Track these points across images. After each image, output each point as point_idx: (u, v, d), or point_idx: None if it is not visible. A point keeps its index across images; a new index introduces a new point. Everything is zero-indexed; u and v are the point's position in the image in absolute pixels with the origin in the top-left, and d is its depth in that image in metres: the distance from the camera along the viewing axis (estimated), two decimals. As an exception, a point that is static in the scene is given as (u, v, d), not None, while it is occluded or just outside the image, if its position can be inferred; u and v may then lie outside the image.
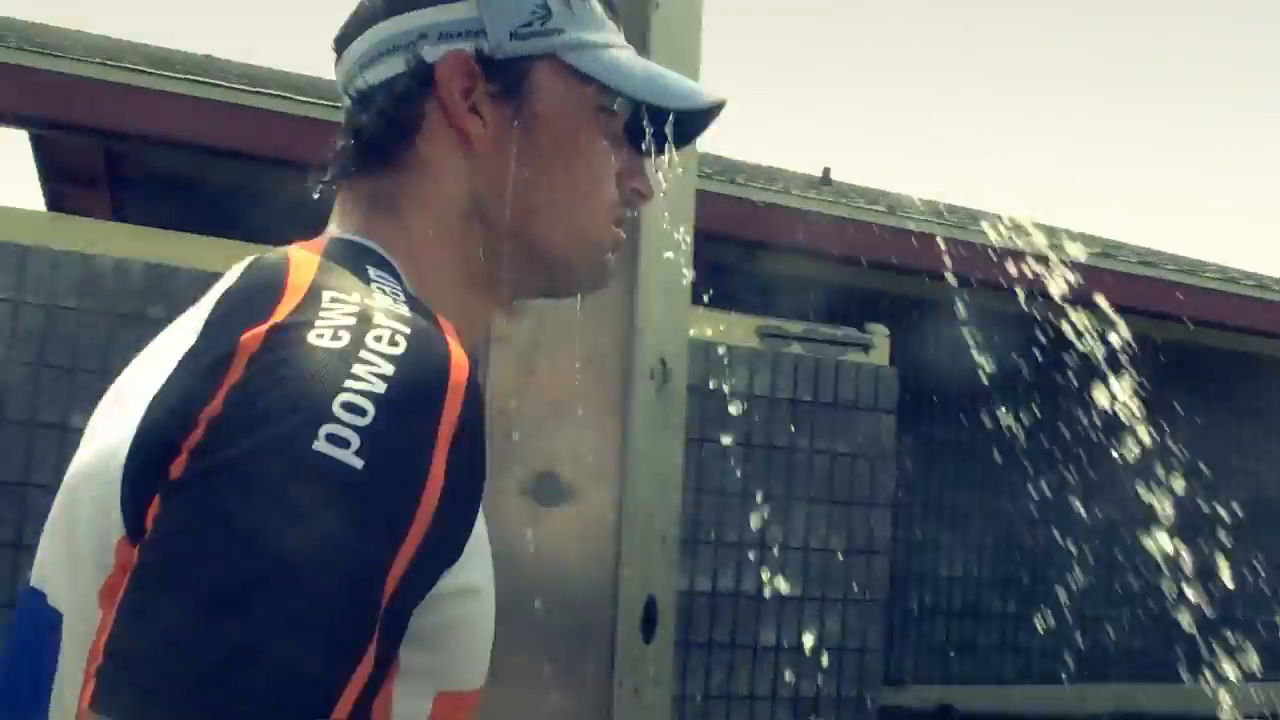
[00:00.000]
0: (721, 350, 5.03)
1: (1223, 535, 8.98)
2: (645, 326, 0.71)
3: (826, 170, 8.94)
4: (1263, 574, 9.11)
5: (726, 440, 4.94)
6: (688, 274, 0.79)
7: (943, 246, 6.37)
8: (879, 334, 5.79)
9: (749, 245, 6.95)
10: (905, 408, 5.98)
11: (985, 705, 7.96)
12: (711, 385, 4.92)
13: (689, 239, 0.76)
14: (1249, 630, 9.27)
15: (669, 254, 0.75)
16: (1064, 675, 8.31)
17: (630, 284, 0.70)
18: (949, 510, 8.02)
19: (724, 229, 6.36)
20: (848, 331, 5.68)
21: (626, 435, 0.66)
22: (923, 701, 7.82)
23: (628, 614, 0.70)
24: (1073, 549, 8.43)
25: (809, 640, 5.65)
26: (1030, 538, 8.23)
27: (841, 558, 5.69)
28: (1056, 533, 8.29)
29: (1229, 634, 8.10)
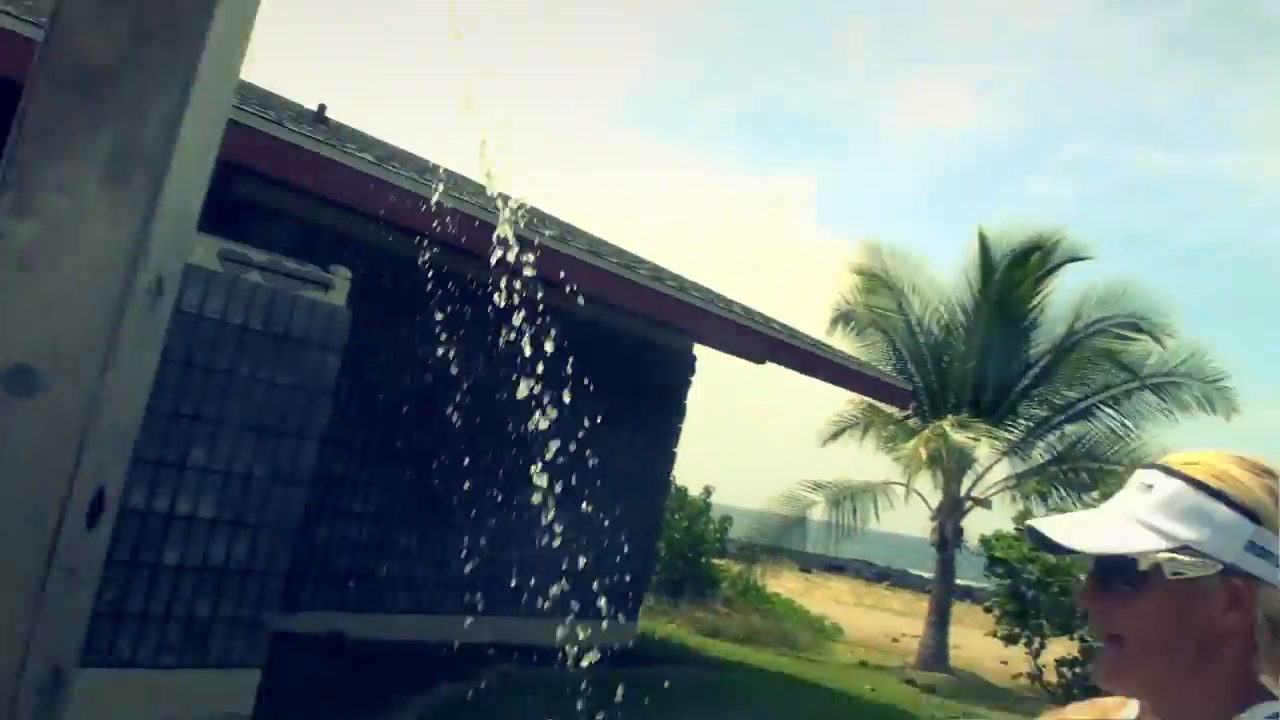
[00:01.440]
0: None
1: (596, 495, 10.02)
2: (153, 245, 0.81)
3: (322, 108, 8.84)
4: (624, 535, 10.30)
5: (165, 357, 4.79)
6: (198, 200, 0.89)
7: (423, 207, 6.58)
8: (341, 275, 5.88)
9: (226, 166, 6.73)
10: (353, 350, 6.12)
11: (376, 634, 8.33)
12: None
13: (211, 165, 0.87)
14: (608, 575, 10.45)
15: (189, 174, 0.85)
16: (454, 608, 8.88)
17: (150, 200, 0.80)
18: (375, 451, 8.28)
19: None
20: (311, 269, 5.71)
21: (113, 341, 0.76)
22: (317, 628, 8.03)
23: (78, 501, 0.80)
24: (479, 496, 9.06)
25: (212, 562, 5.64)
26: (442, 483, 8.69)
27: (261, 485, 5.72)
28: (468, 481, 8.88)
29: (597, 579, 9.08)
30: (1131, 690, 1.35)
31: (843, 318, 18.04)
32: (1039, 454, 17.80)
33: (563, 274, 7.24)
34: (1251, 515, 1.26)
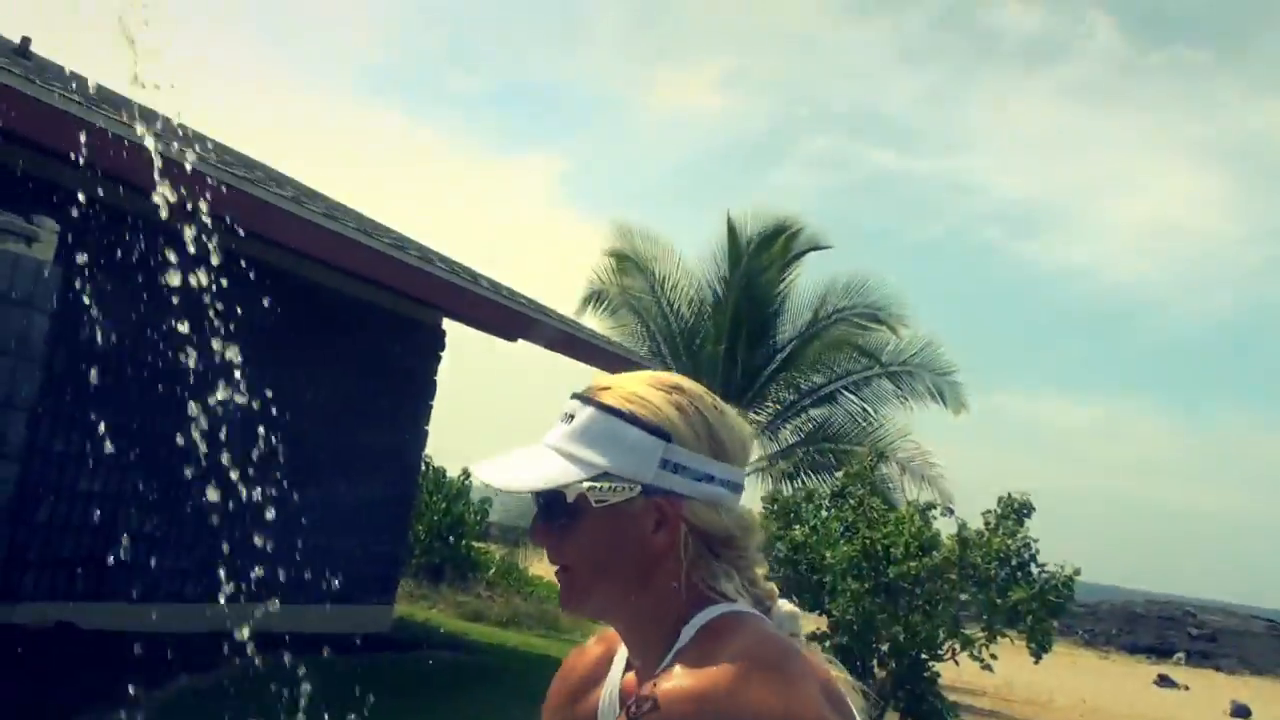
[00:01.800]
0: None
1: (343, 475, 9.81)
2: None
3: (26, 40, 8.19)
4: (374, 517, 10.08)
5: None
6: None
7: (144, 156, 6.16)
8: (47, 228, 5.50)
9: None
10: (65, 309, 5.73)
11: (110, 624, 7.87)
12: None
13: None
14: (359, 558, 10.19)
15: None
16: (195, 595, 8.47)
17: None
18: (96, 423, 7.79)
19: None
20: (10, 219, 5.32)
21: None
22: (42, 619, 7.52)
23: None
24: (218, 475, 8.64)
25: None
26: (177, 462, 8.28)
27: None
28: (202, 456, 8.45)
29: (348, 563, 8.81)
30: (589, 613, 1.40)
31: (595, 297, 18.21)
32: (787, 435, 18.50)
33: (297, 238, 6.99)
34: (661, 433, 1.30)
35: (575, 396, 1.37)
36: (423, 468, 15.92)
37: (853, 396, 18.36)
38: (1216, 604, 48.85)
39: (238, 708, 7.14)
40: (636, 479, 1.29)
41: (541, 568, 20.15)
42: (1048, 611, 12.64)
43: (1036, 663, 13.16)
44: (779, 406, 18.57)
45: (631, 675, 1.42)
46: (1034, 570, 12.66)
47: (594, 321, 17.31)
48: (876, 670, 10.87)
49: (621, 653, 1.46)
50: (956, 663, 13.07)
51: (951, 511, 15.36)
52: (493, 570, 16.95)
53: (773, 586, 1.37)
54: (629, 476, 1.29)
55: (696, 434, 1.32)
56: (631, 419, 1.31)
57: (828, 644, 10.69)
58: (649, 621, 1.33)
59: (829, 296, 18.10)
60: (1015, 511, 13.15)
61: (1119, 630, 37.97)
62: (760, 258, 17.84)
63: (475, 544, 17.17)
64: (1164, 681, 25.73)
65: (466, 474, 16.86)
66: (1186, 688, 25.05)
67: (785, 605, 1.36)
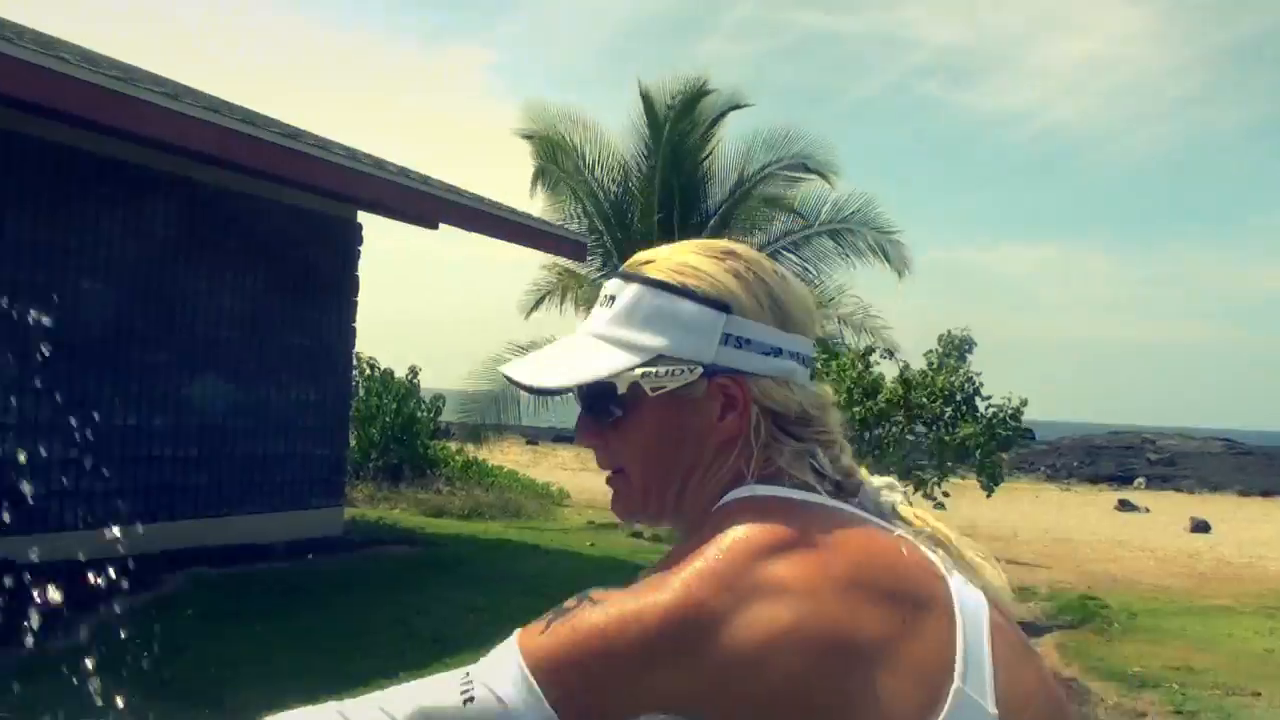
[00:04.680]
0: None
1: (270, 379, 9.62)
2: None
3: None
4: (310, 419, 9.94)
5: None
6: None
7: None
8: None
9: None
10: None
11: (56, 554, 7.74)
12: None
13: None
14: (299, 462, 10.06)
15: None
16: (136, 515, 8.33)
17: None
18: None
19: None
20: None
21: None
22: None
23: None
24: (134, 388, 8.44)
25: None
26: (91, 376, 8.10)
27: None
28: (117, 372, 8.23)
29: (287, 468, 8.64)
30: (650, 519, 1.27)
31: (540, 174, 17.99)
32: (729, 298, 18.48)
33: (174, 132, 6.75)
34: (720, 304, 1.15)
35: (616, 275, 1.22)
36: (368, 370, 15.86)
37: (793, 256, 18.29)
38: (1174, 429, 49.90)
39: (198, 616, 7.14)
40: (697, 359, 1.14)
41: (505, 459, 20.23)
42: (996, 445, 12.82)
43: (989, 496, 13.41)
44: (719, 273, 18.50)
45: None
46: (980, 405, 12.82)
47: (543, 201, 17.27)
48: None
49: None
50: (910, 503, 13.23)
51: (892, 354, 15.50)
52: (452, 465, 17.01)
53: (855, 465, 1.21)
54: (688, 357, 1.14)
55: (759, 303, 1.17)
56: (685, 291, 1.15)
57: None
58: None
59: (752, 153, 17.95)
60: (956, 348, 13.26)
61: (1080, 463, 38.81)
62: (681, 123, 17.58)
63: (431, 442, 17.20)
64: (1125, 506, 26.33)
65: (414, 372, 16.80)
66: (1147, 510, 25.65)
67: (877, 481, 1.22)
